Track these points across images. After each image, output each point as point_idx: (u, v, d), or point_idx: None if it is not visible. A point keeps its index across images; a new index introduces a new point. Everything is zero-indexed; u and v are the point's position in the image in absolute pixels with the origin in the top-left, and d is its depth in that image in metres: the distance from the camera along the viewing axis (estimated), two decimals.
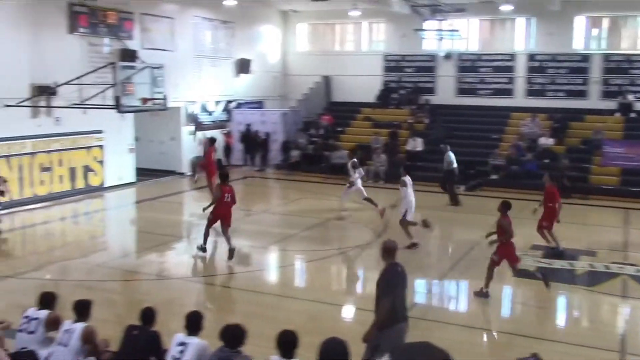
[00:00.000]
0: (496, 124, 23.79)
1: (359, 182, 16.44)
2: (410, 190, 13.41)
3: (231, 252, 12.19)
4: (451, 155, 18.74)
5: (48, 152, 17.53)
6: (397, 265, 6.83)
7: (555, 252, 13.03)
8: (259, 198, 20.60)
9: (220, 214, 12.31)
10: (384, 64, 26.78)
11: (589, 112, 23.20)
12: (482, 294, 10.34)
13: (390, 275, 6.75)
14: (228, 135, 24.55)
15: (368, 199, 16.20)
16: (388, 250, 6.90)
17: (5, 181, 15.68)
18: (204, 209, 12.94)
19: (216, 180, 14.41)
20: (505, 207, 10.69)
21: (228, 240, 12.28)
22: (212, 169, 16.78)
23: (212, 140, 17.78)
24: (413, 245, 13.09)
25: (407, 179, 13.45)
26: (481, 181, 20.59)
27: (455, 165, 18.76)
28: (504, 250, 10.45)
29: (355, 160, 16.71)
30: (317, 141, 24.46)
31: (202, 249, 12.53)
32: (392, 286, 6.65)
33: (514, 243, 10.60)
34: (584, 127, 22.49)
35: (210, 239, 12.80)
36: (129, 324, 6.54)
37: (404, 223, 13.31)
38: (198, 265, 12.87)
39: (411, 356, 3.27)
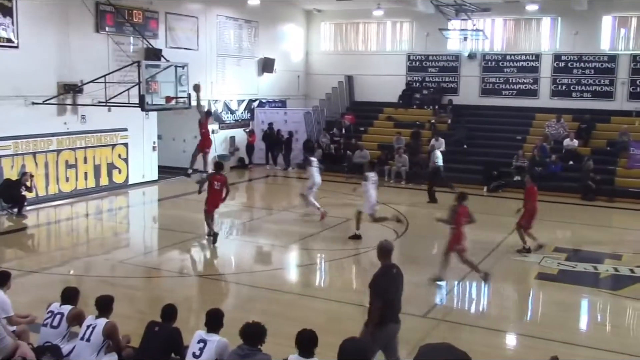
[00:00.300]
0: (520, 125, 23.57)
1: (317, 179, 16.18)
2: (370, 185, 13.76)
3: (215, 237, 13.18)
4: (437, 153, 19.32)
5: (73, 149, 17.75)
6: (392, 266, 6.79)
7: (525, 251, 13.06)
8: (280, 197, 20.65)
9: (209, 201, 13.27)
10: (407, 64, 26.68)
11: (615, 113, 22.90)
12: (437, 279, 10.92)
13: (384, 277, 6.70)
14: (250, 134, 24.65)
15: (311, 203, 16.02)
16: (384, 251, 6.83)
17: (32, 176, 15.94)
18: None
19: (208, 156, 15.64)
20: (460, 197, 11.31)
21: (210, 224, 13.22)
22: (207, 142, 15.81)
23: (207, 113, 16.77)
24: (356, 237, 13.76)
25: (371, 174, 13.89)
26: (503, 182, 20.43)
27: (440, 163, 19.21)
28: (455, 237, 10.95)
29: (314, 159, 16.63)
30: (339, 141, 24.45)
31: (213, 234, 13.26)
32: (384, 288, 6.61)
33: (462, 231, 11.04)
34: (610, 129, 22.21)
35: (230, 238, 12.88)
36: (151, 320, 6.60)
37: (375, 218, 13.85)
38: (219, 263, 12.96)
39: (433, 357, 3.26)
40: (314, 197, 16.01)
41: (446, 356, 3.22)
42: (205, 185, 13.52)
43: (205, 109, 16.32)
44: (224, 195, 13.36)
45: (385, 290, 6.59)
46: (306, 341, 5.46)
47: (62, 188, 17.55)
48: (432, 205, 18.08)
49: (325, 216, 15.65)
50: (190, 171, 14.57)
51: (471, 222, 11.15)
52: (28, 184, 15.68)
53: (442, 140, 22.64)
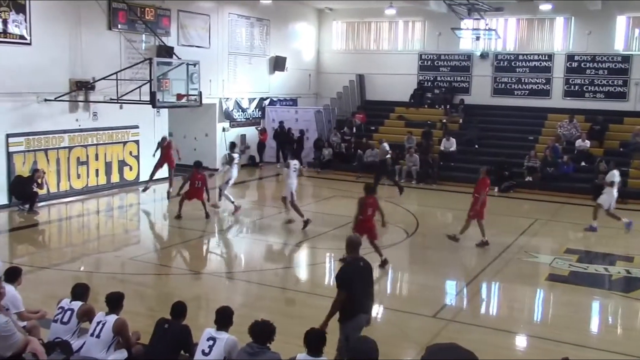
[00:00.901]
0: (532, 125, 23.44)
1: (234, 173, 16.36)
2: (291, 172, 14.62)
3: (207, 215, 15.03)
4: (386, 147, 19.85)
5: (85, 146, 17.83)
6: (359, 259, 6.99)
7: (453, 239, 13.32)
8: None
9: (192, 197, 15.04)
10: (419, 63, 26.59)
11: (628, 114, 22.70)
12: (384, 262, 11.52)
13: (350, 269, 6.92)
14: (262, 132, 24.67)
15: (226, 196, 16.15)
16: (351, 245, 7.05)
17: (44, 173, 16.03)
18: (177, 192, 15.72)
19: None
20: (367, 189, 11.89)
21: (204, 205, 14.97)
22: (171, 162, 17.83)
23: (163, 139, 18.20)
24: (290, 222, 14.71)
25: (292, 162, 14.84)
26: (514, 182, 20.32)
27: (388, 156, 19.85)
28: (362, 226, 11.36)
29: (234, 155, 16.51)
30: (350, 140, 24.43)
31: (177, 215, 15.10)
32: (348, 282, 6.75)
33: (374, 220, 11.65)
34: (623, 130, 22.03)
35: (240, 237, 12.90)
36: (160, 318, 6.61)
37: (292, 204, 14.64)
38: (229, 261, 12.99)
39: (440, 357, 3.24)
40: (229, 191, 16.26)
41: (453, 356, 3.20)
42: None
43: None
44: (205, 193, 15.07)
45: (350, 281, 6.75)
46: (315, 340, 5.45)
47: (74, 185, 17.63)
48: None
49: (238, 211, 15.97)
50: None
51: (379, 212, 11.73)
52: (39, 181, 15.76)
53: (453, 140, 22.58)
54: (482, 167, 14.37)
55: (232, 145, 17.10)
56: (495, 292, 11.36)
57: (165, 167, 17.84)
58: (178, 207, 15.22)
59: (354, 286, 6.76)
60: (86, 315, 6.77)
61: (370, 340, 4.67)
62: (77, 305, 6.78)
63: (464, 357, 3.20)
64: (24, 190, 15.62)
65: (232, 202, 15.85)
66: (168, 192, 17.34)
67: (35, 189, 15.60)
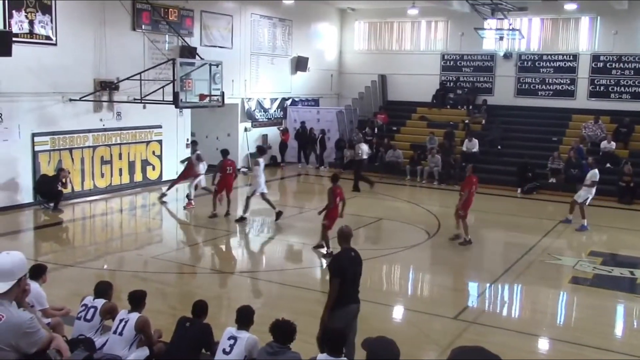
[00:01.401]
0: (556, 126, 23.20)
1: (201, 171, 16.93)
2: (261, 171, 15.09)
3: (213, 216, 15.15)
4: (363, 147, 20.49)
5: (108, 145, 18.01)
6: (350, 250, 7.15)
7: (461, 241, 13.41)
8: (312, 196, 20.65)
9: (223, 187, 15.27)
10: (441, 63, 26.46)
11: None
12: (327, 255, 12.00)
13: (342, 259, 7.08)
14: (284, 132, 24.72)
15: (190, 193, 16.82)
16: (343, 236, 7.25)
17: (68, 173, 16.22)
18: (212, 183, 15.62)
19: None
20: (333, 179, 12.74)
21: (228, 204, 15.22)
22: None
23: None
24: (279, 215, 15.14)
25: (261, 160, 15.28)
26: (537, 184, 20.12)
27: (365, 156, 20.39)
28: (333, 215, 12.27)
29: (199, 153, 17.06)
30: (371, 140, 24.37)
31: (213, 214, 15.22)
32: (341, 269, 6.91)
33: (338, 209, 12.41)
34: None
35: (261, 236, 12.94)
36: (182, 316, 6.66)
37: (264, 198, 15.22)
38: (250, 261, 13.02)
39: (463, 359, 3.22)
40: (194, 187, 16.82)
41: (478, 359, 3.16)
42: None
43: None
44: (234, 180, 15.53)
45: (343, 270, 6.90)
46: (335, 341, 5.43)
47: (97, 184, 17.83)
48: (356, 194, 19.12)
49: (191, 206, 16.49)
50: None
51: (343, 201, 12.49)
52: (64, 180, 15.96)
53: (475, 141, 22.43)
54: (468, 165, 14.76)
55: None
56: (517, 295, 11.26)
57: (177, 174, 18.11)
58: (212, 205, 15.38)
59: (346, 276, 6.91)
60: (109, 312, 6.84)
61: (390, 341, 4.63)
62: (100, 302, 6.85)
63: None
64: (49, 189, 15.82)
65: (189, 197, 16.65)
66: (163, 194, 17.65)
67: (60, 188, 15.79)
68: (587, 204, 15.52)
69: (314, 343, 6.25)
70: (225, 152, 15.84)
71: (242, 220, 15.15)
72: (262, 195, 15.25)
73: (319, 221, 14.47)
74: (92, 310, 6.81)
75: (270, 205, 15.25)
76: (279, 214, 15.19)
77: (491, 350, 3.92)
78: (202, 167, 16.94)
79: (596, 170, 15.73)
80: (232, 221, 15.21)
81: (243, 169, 23.08)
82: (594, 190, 15.51)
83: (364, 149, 20.56)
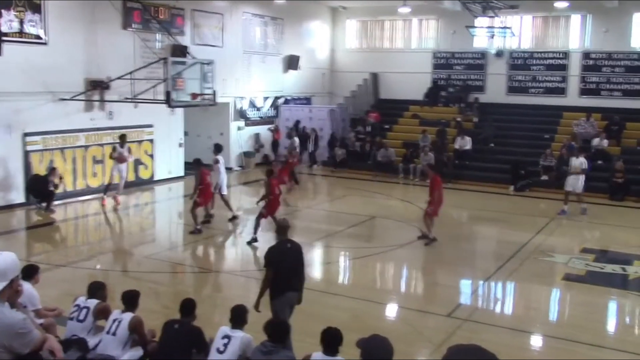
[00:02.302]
0: (548, 124, 23.29)
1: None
2: (222, 168, 15.19)
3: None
4: (296, 141, 21.22)
5: (100, 145, 17.93)
6: (287, 242, 7.53)
7: (426, 241, 13.35)
8: (305, 194, 20.66)
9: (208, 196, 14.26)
10: (433, 62, 26.49)
11: None
12: (253, 240, 12.83)
13: (277, 250, 7.45)
14: (275, 131, 24.67)
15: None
16: (280, 228, 7.68)
17: (61, 178, 16.12)
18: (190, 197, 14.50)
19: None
20: (269, 173, 13.41)
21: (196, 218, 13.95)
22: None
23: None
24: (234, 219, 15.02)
25: (220, 157, 15.24)
26: (530, 181, 20.19)
27: (297, 150, 20.98)
28: (273, 205, 13.04)
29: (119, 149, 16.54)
30: (364, 138, 24.39)
31: (196, 230, 13.85)
32: (274, 259, 7.31)
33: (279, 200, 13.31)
34: None
35: (258, 236, 12.94)
36: (169, 319, 6.56)
37: (223, 198, 15.14)
38: (243, 259, 13.01)
39: (462, 358, 3.22)
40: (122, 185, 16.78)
41: (474, 357, 3.16)
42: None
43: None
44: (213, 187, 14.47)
45: (275, 261, 7.28)
46: (332, 339, 5.43)
47: (90, 183, 17.75)
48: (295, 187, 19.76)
49: (117, 202, 16.45)
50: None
51: (283, 183, 13.41)
52: (56, 180, 15.88)
53: (467, 139, 22.47)
54: (425, 164, 14.97)
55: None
56: (510, 292, 11.30)
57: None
58: (193, 220, 13.93)
59: (281, 265, 7.26)
60: (102, 313, 6.81)
61: (384, 339, 4.64)
62: (93, 303, 6.82)
63: (486, 359, 3.16)
64: (41, 189, 15.75)
65: (117, 194, 16.42)
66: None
67: (52, 189, 15.72)
68: (580, 190, 16.32)
69: (308, 341, 6.25)
70: (198, 161, 14.40)
71: (234, 219, 15.12)
72: (222, 196, 15.07)
73: (313, 220, 14.55)
74: (84, 310, 6.77)
75: (227, 207, 15.08)
76: (234, 218, 15.03)
77: (484, 347, 3.93)
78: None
79: (583, 159, 16.66)
80: (217, 224, 15.08)
81: (236, 169, 23.09)
82: (583, 177, 16.35)
83: (297, 144, 21.47)
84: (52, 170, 16.04)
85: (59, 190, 16.22)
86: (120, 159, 16.36)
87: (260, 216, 12.99)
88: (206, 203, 14.44)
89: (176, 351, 6.30)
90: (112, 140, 18.16)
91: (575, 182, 16.40)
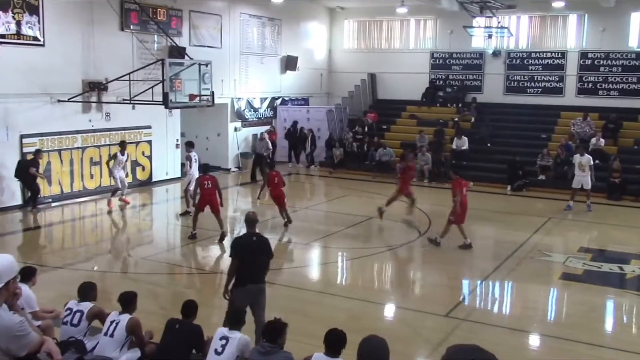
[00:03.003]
0: (545, 123, 23.32)
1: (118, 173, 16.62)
2: (195, 165, 15.74)
3: (221, 236, 13.44)
4: (269, 143, 21.66)
5: (98, 146, 17.92)
6: (252, 234, 7.79)
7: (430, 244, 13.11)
8: (302, 195, 20.67)
9: (206, 200, 13.51)
10: (430, 62, 26.51)
11: None
12: (192, 236, 13.30)
13: (242, 241, 7.78)
14: (271, 132, 24.52)
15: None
16: (247, 221, 7.98)
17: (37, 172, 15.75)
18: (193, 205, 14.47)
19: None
20: (203, 168, 13.82)
21: (220, 224, 13.58)
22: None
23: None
24: (187, 213, 15.22)
25: (192, 154, 15.85)
26: (527, 181, 20.20)
27: (267, 152, 21.41)
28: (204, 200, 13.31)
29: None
30: (362, 139, 24.40)
31: (192, 235, 13.63)
32: (238, 250, 7.59)
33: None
34: (637, 127, 21.87)
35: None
36: (171, 318, 6.62)
37: (187, 192, 15.65)
38: None
39: (459, 357, 3.21)
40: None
41: (475, 357, 3.16)
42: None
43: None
44: (217, 195, 13.58)
45: (239, 252, 7.55)
46: (335, 341, 5.42)
47: (87, 185, 17.74)
48: (252, 184, 20.27)
49: (127, 202, 16.61)
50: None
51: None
52: (40, 162, 15.67)
53: (465, 139, 22.49)
54: (451, 170, 14.57)
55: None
56: (508, 291, 11.31)
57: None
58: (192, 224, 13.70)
59: (244, 257, 7.50)
60: (96, 316, 6.74)
61: (380, 340, 4.62)
62: (85, 306, 6.71)
63: (486, 359, 3.16)
64: (24, 175, 15.52)
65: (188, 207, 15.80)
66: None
67: (34, 172, 15.44)
68: (589, 187, 16.78)
69: (306, 342, 6.26)
70: (205, 167, 14.29)
71: (185, 214, 15.46)
72: (187, 191, 15.67)
73: (311, 220, 14.57)
74: (77, 314, 6.66)
75: (187, 203, 15.66)
76: (185, 213, 15.48)
77: (482, 347, 3.93)
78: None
79: (588, 156, 17.16)
80: (216, 225, 15.08)
81: (234, 170, 23.09)
82: (589, 174, 16.83)
83: (269, 145, 21.78)
84: (37, 152, 15.79)
85: (57, 192, 16.19)
86: (120, 165, 16.51)
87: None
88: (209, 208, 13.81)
89: (175, 350, 6.31)
90: (109, 141, 18.19)
91: (583, 180, 16.79)
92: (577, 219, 16.06)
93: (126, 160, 16.91)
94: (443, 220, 14.16)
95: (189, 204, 15.59)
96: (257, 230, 8.02)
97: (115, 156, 16.52)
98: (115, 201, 16.59)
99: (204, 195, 13.50)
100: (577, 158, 17.26)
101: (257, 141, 22.17)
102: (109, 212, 16.02)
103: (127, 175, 17.01)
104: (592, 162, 17.09)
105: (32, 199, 15.85)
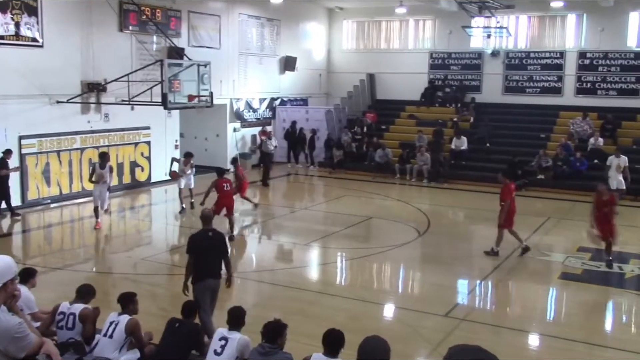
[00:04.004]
0: (544, 123, 23.33)
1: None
2: (192, 170, 16.31)
3: (230, 238, 13.00)
4: (274, 142, 22.00)
5: (97, 147, 17.90)
6: (208, 230, 7.99)
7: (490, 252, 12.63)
8: (301, 195, 20.66)
9: (224, 203, 13.42)
10: (429, 62, 26.52)
11: None
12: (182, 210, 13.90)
13: (198, 238, 7.97)
14: (264, 133, 24.41)
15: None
16: (202, 218, 8.20)
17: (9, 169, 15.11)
18: (200, 203, 13.88)
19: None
20: (219, 171, 13.69)
21: (231, 226, 13.50)
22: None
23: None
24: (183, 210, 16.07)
25: (192, 162, 16.28)
26: (526, 181, 20.20)
27: (272, 150, 21.63)
28: (221, 203, 13.19)
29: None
30: (361, 139, 24.40)
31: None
32: (194, 246, 7.85)
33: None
34: (636, 127, 21.89)
35: (251, 236, 12.91)
36: (171, 317, 6.63)
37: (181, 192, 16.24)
38: (240, 261, 12.99)
39: (461, 357, 3.22)
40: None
41: (477, 358, 3.17)
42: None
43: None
44: (235, 190, 14.11)
45: (194, 248, 7.82)
46: (334, 341, 5.42)
47: (86, 186, 17.68)
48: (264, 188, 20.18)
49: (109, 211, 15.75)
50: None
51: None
52: (9, 161, 14.98)
53: (464, 139, 22.50)
54: (501, 174, 13.79)
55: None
56: (507, 291, 11.31)
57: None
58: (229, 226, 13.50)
59: (201, 253, 7.74)
60: (87, 318, 6.62)
61: (380, 340, 4.62)
62: (77, 308, 6.62)
63: (488, 359, 3.16)
64: None
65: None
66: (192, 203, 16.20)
67: (9, 172, 14.90)
68: (624, 187, 17.45)
69: (305, 342, 6.26)
70: (220, 172, 13.95)
71: (183, 211, 16.12)
72: (181, 190, 16.31)
73: (310, 220, 14.57)
74: (71, 317, 6.54)
75: (180, 198, 16.35)
76: (182, 210, 16.10)
77: (482, 347, 3.94)
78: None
79: (624, 157, 17.91)
80: (215, 226, 15.07)
81: (232, 170, 23.02)
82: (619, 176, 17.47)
83: (275, 144, 22.24)
84: (6, 152, 15.04)
85: (56, 193, 16.16)
86: (100, 180, 14.35)
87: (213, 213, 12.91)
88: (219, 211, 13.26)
89: (175, 350, 6.32)
90: (108, 142, 18.18)
91: (618, 180, 17.36)
92: (576, 219, 16.03)
93: (110, 173, 14.69)
94: (442, 220, 14.20)
95: (182, 202, 16.08)
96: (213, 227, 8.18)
97: (94, 169, 14.54)
98: (104, 218, 15.28)
99: (222, 198, 13.37)
100: (613, 160, 17.69)
101: (265, 141, 21.84)
102: (108, 212, 15.93)
103: (109, 189, 14.87)
104: (626, 163, 17.72)
105: (7, 206, 15.06)
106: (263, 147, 21.65)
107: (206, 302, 7.76)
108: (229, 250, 8.20)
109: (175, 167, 17.25)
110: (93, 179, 14.42)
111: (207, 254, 7.82)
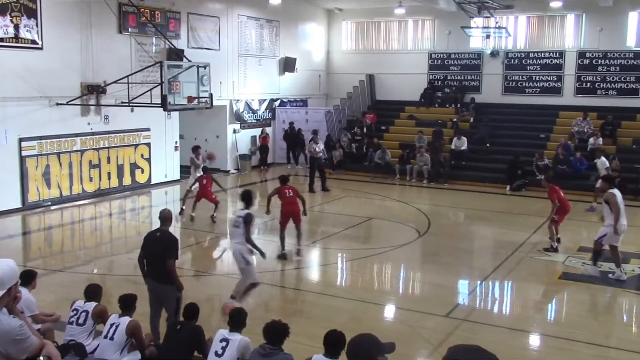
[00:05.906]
0: (544, 123, 23.33)
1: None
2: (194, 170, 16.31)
3: (297, 253, 12.64)
4: (321, 145, 20.75)
5: (96, 149, 17.92)
6: (158, 230, 8.06)
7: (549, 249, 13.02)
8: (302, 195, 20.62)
9: (288, 210, 12.56)
10: (429, 62, 26.54)
11: None
12: (281, 256, 12.21)
13: (147, 236, 8.09)
14: (262, 133, 24.38)
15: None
16: (160, 218, 8.20)
17: None
18: (266, 212, 12.98)
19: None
20: (282, 179, 12.80)
21: (299, 237, 12.69)
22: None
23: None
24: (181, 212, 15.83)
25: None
26: (526, 181, 20.20)
27: (321, 154, 20.47)
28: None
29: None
30: (360, 140, 24.40)
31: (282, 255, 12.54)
32: (143, 245, 7.98)
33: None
34: (636, 127, 21.89)
35: (255, 239, 12.85)
36: (172, 319, 6.64)
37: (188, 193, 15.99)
38: None
39: (460, 357, 3.21)
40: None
41: (476, 358, 3.17)
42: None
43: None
44: (300, 204, 12.67)
45: (144, 245, 7.96)
46: (335, 342, 5.41)
47: (86, 188, 17.73)
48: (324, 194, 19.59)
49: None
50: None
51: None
52: None
53: (464, 139, 22.50)
54: (544, 179, 14.15)
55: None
56: (508, 291, 11.31)
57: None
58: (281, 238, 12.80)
59: (146, 252, 7.89)
60: (100, 316, 6.81)
61: (370, 336, 4.43)
62: (91, 306, 6.83)
63: (487, 359, 3.16)
64: None
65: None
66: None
67: None
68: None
69: (306, 344, 6.26)
70: (283, 178, 13.02)
71: (182, 212, 15.84)
72: (188, 192, 16.04)
73: (310, 221, 14.57)
74: (83, 314, 6.78)
75: (183, 201, 16.12)
76: (182, 210, 15.85)
77: (482, 347, 3.93)
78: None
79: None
80: (215, 226, 15.15)
81: (233, 172, 23.08)
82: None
83: (322, 147, 21.02)
84: None
85: (56, 195, 16.18)
86: None
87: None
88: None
89: (176, 351, 6.32)
90: (108, 144, 18.20)
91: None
92: (576, 219, 16.03)
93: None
94: (442, 220, 14.20)
95: (185, 203, 15.87)
96: (169, 228, 8.16)
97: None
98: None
99: (286, 205, 12.46)
100: (598, 162, 17.97)
101: (309, 144, 21.10)
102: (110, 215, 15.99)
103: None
104: (607, 165, 17.89)
105: None
106: (312, 152, 20.37)
107: (154, 303, 7.82)
108: (175, 255, 7.81)
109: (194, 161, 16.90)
110: None
111: (149, 254, 7.89)
